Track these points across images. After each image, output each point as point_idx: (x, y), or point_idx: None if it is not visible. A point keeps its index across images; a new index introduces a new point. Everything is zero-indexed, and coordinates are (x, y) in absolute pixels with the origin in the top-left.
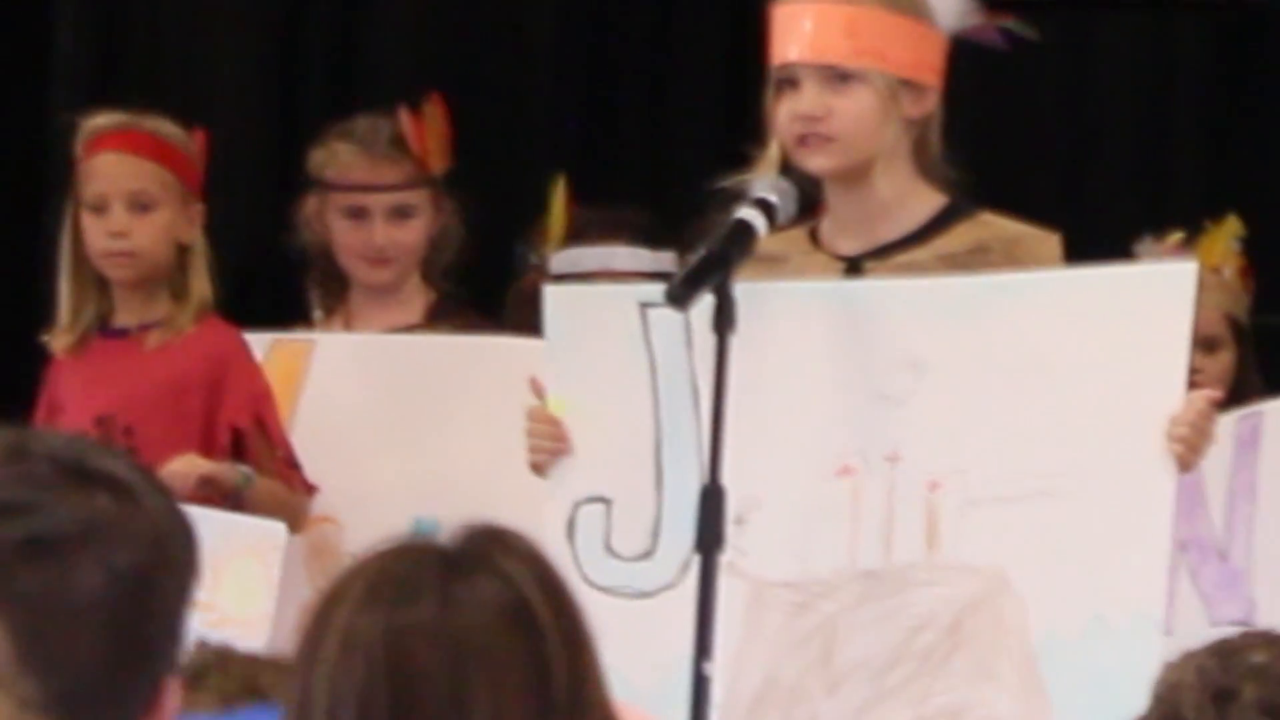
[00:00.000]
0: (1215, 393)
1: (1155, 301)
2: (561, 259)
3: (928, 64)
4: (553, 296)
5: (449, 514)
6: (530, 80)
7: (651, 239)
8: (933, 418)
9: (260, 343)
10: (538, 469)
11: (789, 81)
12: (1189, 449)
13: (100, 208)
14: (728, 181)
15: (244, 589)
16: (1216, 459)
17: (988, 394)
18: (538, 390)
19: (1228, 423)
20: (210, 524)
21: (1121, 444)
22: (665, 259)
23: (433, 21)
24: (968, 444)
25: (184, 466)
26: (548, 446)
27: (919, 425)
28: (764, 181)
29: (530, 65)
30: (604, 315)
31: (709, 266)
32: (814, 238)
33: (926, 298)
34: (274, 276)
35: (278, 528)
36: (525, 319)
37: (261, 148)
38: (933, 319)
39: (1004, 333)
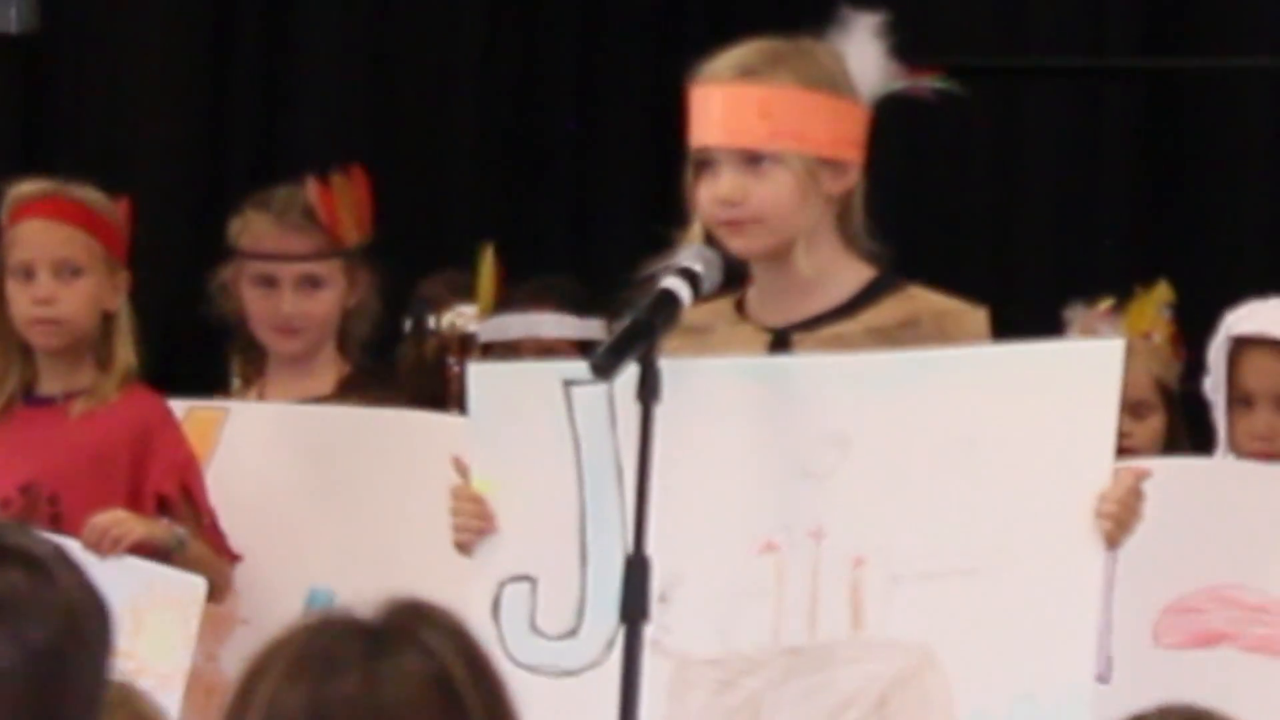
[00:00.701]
0: (1144, 468)
1: (1082, 378)
2: (489, 326)
3: (847, 140)
4: (476, 375)
5: (350, 586)
6: (454, 154)
7: (579, 306)
8: (857, 494)
9: (175, 410)
10: (463, 548)
11: (707, 164)
12: (1118, 526)
13: (26, 274)
14: (652, 266)
15: (162, 640)
16: None
17: (913, 470)
18: (461, 469)
19: None
20: (133, 573)
21: (1049, 521)
22: (593, 326)
23: (357, 94)
24: (892, 520)
25: (109, 520)
26: (473, 525)
27: (843, 501)
28: (689, 251)
29: (454, 139)
30: (527, 393)
31: (634, 336)
32: (740, 308)
33: (851, 373)
34: (198, 345)
35: (198, 581)
36: (423, 385)
37: (187, 217)
38: (857, 395)
39: (929, 409)
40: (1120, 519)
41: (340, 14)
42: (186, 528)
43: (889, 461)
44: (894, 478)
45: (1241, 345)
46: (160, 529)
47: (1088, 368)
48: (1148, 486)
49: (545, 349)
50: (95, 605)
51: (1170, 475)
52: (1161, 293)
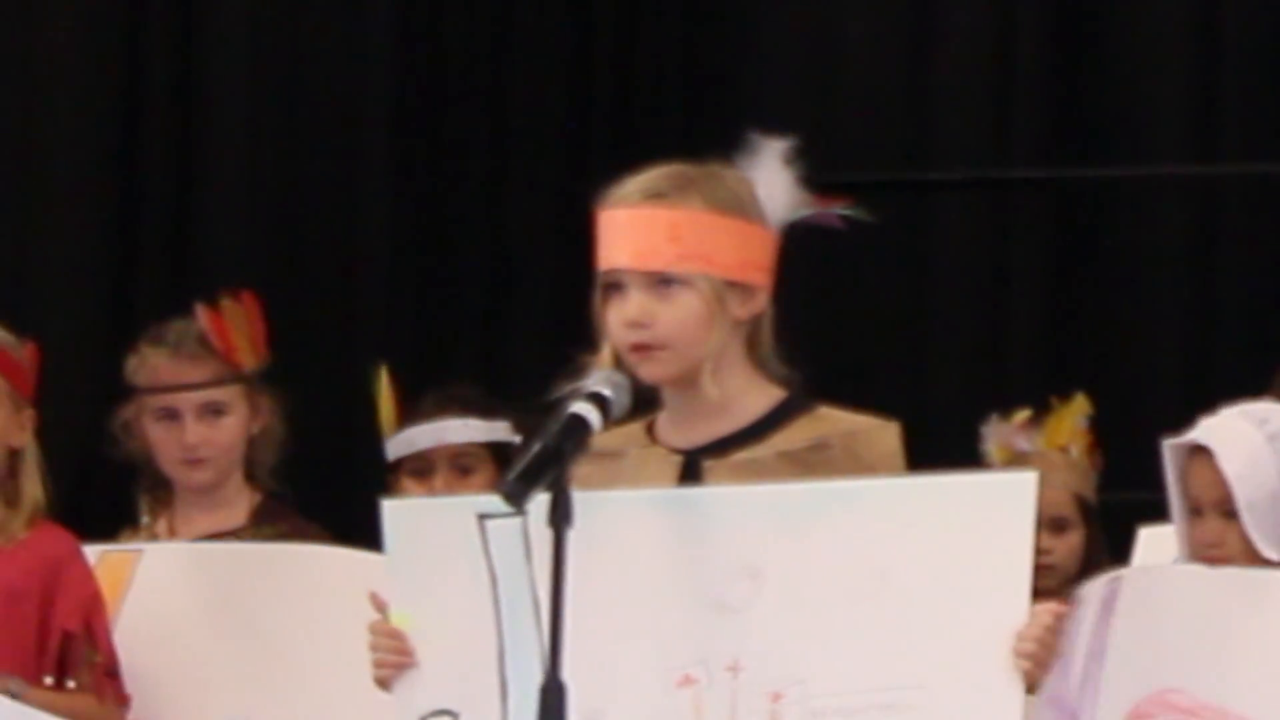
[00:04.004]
0: (1061, 607)
1: (995, 513)
2: (396, 443)
3: (755, 264)
4: (391, 510)
5: None
6: (364, 278)
7: (482, 411)
8: (773, 627)
9: (89, 554)
10: (382, 683)
11: (616, 286)
12: (1036, 665)
13: None
14: (560, 390)
15: None
16: (1083, 620)
17: (828, 602)
18: (379, 604)
19: (1097, 586)
20: None
21: (967, 659)
22: (499, 428)
23: (265, 226)
24: (809, 654)
25: None
26: (392, 660)
27: (759, 635)
28: (598, 375)
29: (364, 263)
30: (442, 528)
31: (544, 463)
32: (651, 432)
33: (762, 505)
34: (109, 484)
35: None
36: None
37: (96, 356)
38: (769, 527)
39: (842, 541)
40: (1039, 658)
41: (247, 142)
42: (82, 665)
43: (804, 594)
44: (809, 610)
45: (1188, 454)
46: None
47: (1001, 502)
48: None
49: (456, 455)
50: None
51: (1135, 582)
52: (1079, 405)
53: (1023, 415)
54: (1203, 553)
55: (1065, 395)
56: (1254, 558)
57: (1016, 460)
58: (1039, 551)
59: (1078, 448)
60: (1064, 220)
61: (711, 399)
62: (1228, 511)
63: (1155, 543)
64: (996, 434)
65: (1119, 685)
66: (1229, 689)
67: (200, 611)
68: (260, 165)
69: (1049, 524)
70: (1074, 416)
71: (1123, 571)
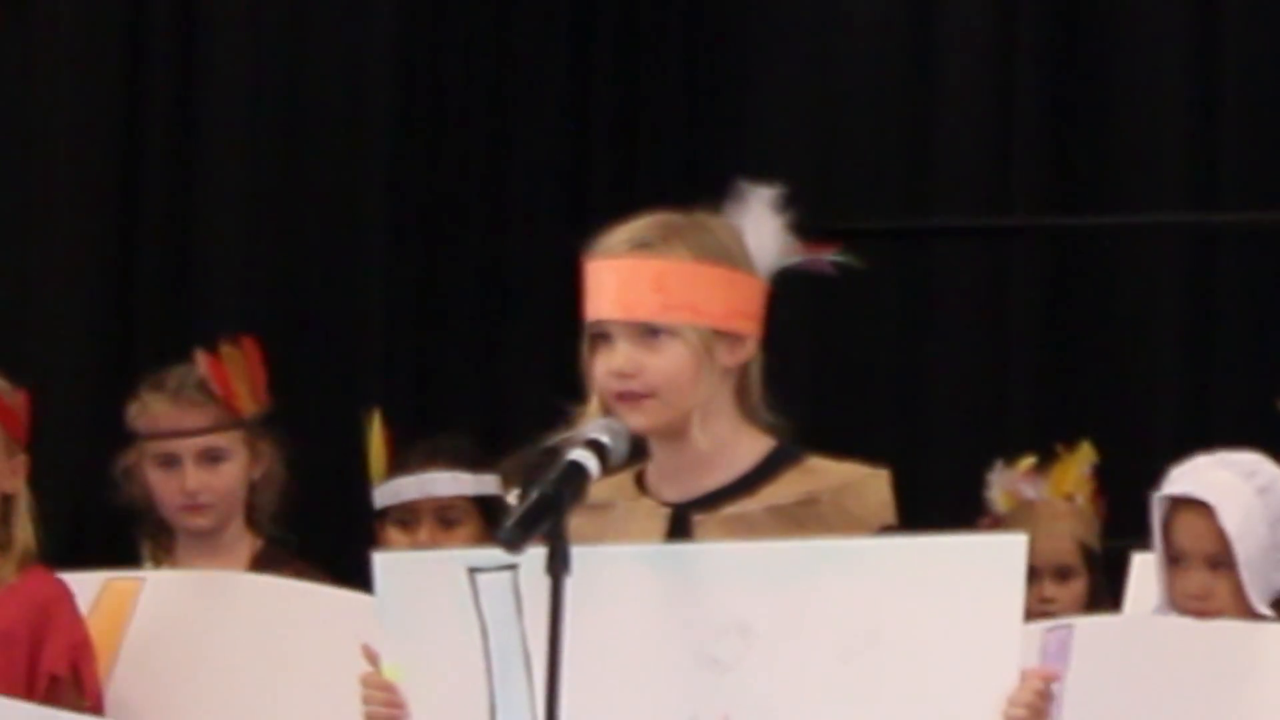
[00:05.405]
0: (1052, 671)
1: (985, 575)
2: (383, 492)
3: (743, 312)
4: (383, 563)
5: None
6: (362, 325)
7: (470, 464)
8: (763, 684)
9: (93, 583)
10: None
11: (603, 337)
12: None
13: None
14: (554, 439)
15: None
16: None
17: (818, 661)
18: (371, 656)
19: (1034, 633)
20: None
21: None
22: (487, 481)
23: (263, 272)
24: (799, 712)
25: None
26: (384, 713)
27: (750, 691)
28: (597, 423)
29: (362, 310)
30: (434, 581)
31: (542, 509)
32: (640, 483)
33: (755, 563)
34: (109, 530)
35: None
36: None
37: (95, 402)
38: (759, 584)
39: (833, 601)
40: None
41: (246, 187)
42: (68, 709)
43: (793, 652)
44: (799, 669)
45: (1174, 505)
46: None
47: (991, 564)
48: (1091, 645)
49: (442, 508)
50: None
51: (1115, 633)
52: (1085, 453)
53: (1028, 462)
54: (1189, 604)
55: (1069, 443)
56: (1242, 610)
57: (1021, 508)
58: (1043, 600)
59: (1082, 496)
60: (1064, 268)
61: (700, 449)
62: (1215, 564)
63: (1149, 569)
64: (1001, 481)
65: None
66: None
67: (202, 639)
68: (260, 210)
69: (1053, 572)
70: (1080, 464)
71: (1071, 620)
